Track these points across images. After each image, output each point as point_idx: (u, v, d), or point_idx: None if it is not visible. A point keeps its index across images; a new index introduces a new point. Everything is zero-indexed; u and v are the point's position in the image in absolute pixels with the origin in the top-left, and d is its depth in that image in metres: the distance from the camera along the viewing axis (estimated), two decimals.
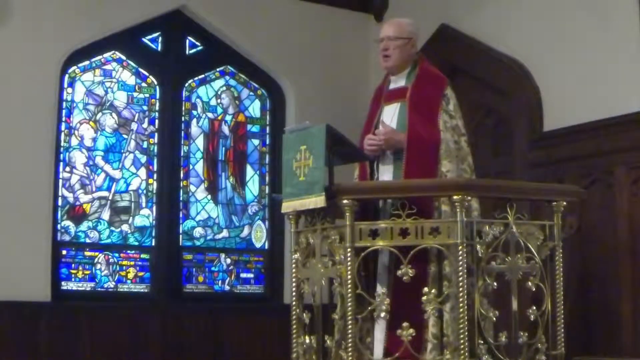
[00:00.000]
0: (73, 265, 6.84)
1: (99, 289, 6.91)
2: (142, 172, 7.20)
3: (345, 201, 4.10)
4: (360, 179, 4.77)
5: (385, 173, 4.63)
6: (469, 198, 4.08)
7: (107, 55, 7.16)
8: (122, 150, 7.14)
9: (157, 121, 7.30)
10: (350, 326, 4.08)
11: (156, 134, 7.28)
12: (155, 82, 7.36)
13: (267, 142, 7.78)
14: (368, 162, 4.67)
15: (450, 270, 4.18)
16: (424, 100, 4.63)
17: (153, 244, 7.17)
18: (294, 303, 4.46)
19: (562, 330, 4.37)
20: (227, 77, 7.71)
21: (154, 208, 7.19)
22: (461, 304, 4.00)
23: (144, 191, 7.19)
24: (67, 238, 6.83)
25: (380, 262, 4.47)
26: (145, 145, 7.24)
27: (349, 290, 4.08)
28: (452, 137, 4.58)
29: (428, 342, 4.23)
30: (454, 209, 4.09)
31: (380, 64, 4.84)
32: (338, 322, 4.31)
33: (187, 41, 7.53)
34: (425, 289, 4.14)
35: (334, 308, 4.34)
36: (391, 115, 4.70)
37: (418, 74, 4.76)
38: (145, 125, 7.26)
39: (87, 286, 6.87)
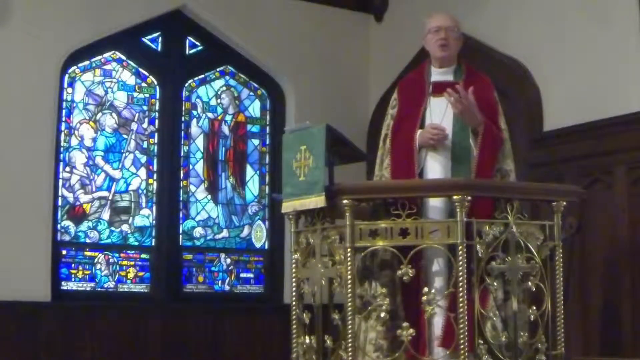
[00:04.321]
0: (73, 265, 6.83)
1: (99, 289, 6.91)
2: (142, 172, 7.20)
3: (345, 201, 4.10)
4: (396, 167, 4.62)
5: (437, 163, 4.55)
6: (469, 198, 4.08)
7: (107, 55, 7.16)
8: (122, 150, 7.14)
9: (157, 121, 7.30)
10: (350, 326, 4.08)
11: (156, 134, 7.28)
12: (155, 82, 7.36)
13: (267, 142, 7.78)
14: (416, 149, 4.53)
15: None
16: (482, 99, 4.59)
17: (153, 244, 7.17)
18: (294, 303, 4.46)
19: (562, 330, 4.37)
20: (227, 77, 7.71)
21: (154, 208, 7.19)
22: (461, 304, 4.00)
23: (144, 191, 7.19)
24: (67, 238, 6.83)
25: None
26: (145, 145, 7.24)
27: (349, 290, 4.08)
28: (508, 139, 4.66)
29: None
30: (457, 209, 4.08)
31: (434, 52, 4.75)
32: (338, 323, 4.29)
33: (187, 41, 7.52)
34: (425, 289, 4.14)
35: (334, 308, 4.33)
36: (444, 108, 4.58)
37: (467, 72, 4.76)
38: (145, 125, 7.26)
39: (87, 286, 6.87)
